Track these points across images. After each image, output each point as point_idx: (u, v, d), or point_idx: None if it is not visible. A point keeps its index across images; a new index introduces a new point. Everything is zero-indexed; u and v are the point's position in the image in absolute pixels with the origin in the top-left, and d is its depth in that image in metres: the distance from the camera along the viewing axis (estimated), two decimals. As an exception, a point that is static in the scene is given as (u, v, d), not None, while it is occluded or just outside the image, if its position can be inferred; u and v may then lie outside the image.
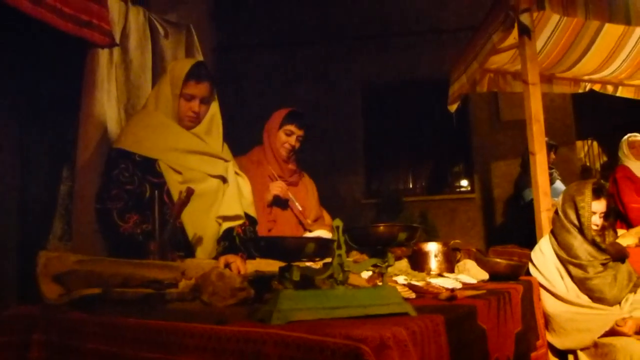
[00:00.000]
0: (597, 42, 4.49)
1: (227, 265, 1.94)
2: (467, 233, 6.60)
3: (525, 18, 3.57)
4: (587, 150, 8.64)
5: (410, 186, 7.24)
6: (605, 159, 8.42)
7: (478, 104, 6.82)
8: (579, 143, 7.69)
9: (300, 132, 2.81)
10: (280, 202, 2.71)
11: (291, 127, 2.79)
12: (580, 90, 5.21)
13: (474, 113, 6.88)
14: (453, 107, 4.74)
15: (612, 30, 4.37)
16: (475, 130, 6.84)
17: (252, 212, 2.32)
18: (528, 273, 2.77)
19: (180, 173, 2.13)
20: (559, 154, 6.46)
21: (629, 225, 4.63)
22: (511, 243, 4.83)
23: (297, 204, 2.72)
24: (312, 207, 2.89)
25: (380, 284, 1.30)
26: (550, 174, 4.78)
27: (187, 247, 2.08)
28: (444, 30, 6.89)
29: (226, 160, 2.29)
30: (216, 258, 2.06)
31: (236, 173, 2.33)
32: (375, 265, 1.29)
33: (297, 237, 2.21)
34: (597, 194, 2.69)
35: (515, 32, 3.78)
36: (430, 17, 7.05)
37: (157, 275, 1.58)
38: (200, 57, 3.34)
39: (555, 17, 4.21)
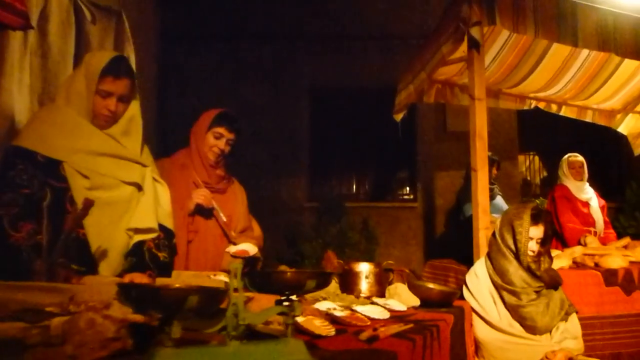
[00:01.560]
0: (545, 61, 4.50)
1: (133, 285, 1.73)
2: (407, 242, 6.57)
3: (475, 31, 3.51)
4: (529, 165, 8.79)
5: (354, 192, 7.15)
6: (545, 173, 8.59)
7: (425, 113, 6.79)
8: (520, 157, 7.80)
9: (230, 136, 2.61)
10: (204, 211, 2.51)
11: (221, 130, 2.58)
12: (526, 107, 5.23)
13: (420, 122, 6.85)
14: (399, 116, 4.65)
15: (559, 51, 4.38)
16: (420, 139, 6.82)
17: (168, 224, 2.10)
18: (462, 296, 2.69)
19: (87, 178, 1.90)
20: (502, 169, 6.52)
21: (564, 244, 4.66)
22: (450, 256, 4.81)
23: (221, 214, 2.52)
24: (239, 217, 2.69)
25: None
26: (491, 190, 4.79)
27: (89, 261, 1.85)
28: (396, 37, 6.83)
29: (144, 166, 2.07)
30: (121, 275, 1.84)
31: (154, 179, 2.11)
32: (282, 313, 1.12)
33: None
34: (535, 219, 2.63)
35: (464, 45, 3.71)
36: (382, 24, 6.97)
37: (41, 300, 1.37)
38: (130, 47, 3.09)
39: (505, 34, 4.18)
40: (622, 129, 5.44)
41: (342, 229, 6.23)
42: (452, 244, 5.40)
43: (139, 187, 2.02)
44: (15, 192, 1.80)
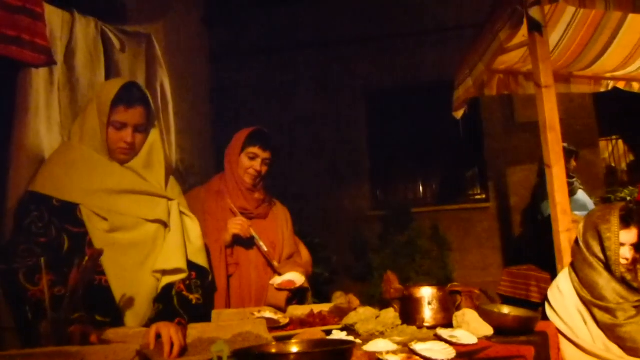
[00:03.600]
0: (620, 36, 4.01)
1: (159, 337, 1.54)
2: (483, 246, 6.14)
3: (535, 12, 3.14)
4: (612, 150, 8.08)
5: (421, 196, 6.79)
6: (632, 157, 7.85)
7: (490, 106, 6.34)
8: (602, 143, 7.16)
9: (266, 155, 2.40)
10: (244, 241, 2.31)
11: (255, 150, 2.38)
12: (602, 90, 4.73)
13: (485, 116, 6.41)
14: (459, 114, 4.30)
15: (636, 23, 3.89)
16: (487, 134, 6.37)
17: (201, 261, 1.91)
18: (545, 316, 2.34)
19: (106, 220, 1.74)
20: (581, 158, 5.97)
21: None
22: (530, 260, 4.40)
23: (261, 243, 2.31)
24: (285, 243, 2.47)
25: None
26: (571, 184, 4.35)
27: (114, 312, 1.69)
28: (450, 28, 6.44)
29: (170, 199, 1.90)
30: (147, 325, 1.66)
31: (182, 213, 1.93)
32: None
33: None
34: (625, 221, 2.23)
35: (524, 29, 3.34)
36: (434, 16, 6.60)
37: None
38: (163, 72, 2.96)
39: (571, 10, 3.75)
40: None
41: (411, 237, 5.91)
42: (532, 247, 4.96)
43: (165, 224, 1.85)
44: (30, 241, 1.67)
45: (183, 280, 1.82)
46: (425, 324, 2.02)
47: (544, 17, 3.24)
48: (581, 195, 4.34)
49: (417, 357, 1.53)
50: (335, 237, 6.25)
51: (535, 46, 3.28)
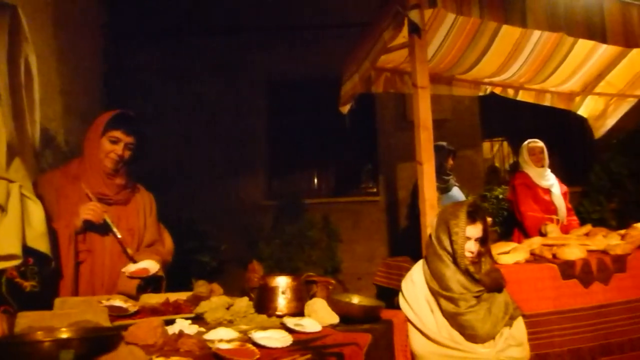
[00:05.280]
0: (495, 44, 4.28)
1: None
2: (371, 237, 6.35)
3: (414, 15, 3.27)
4: (497, 150, 8.62)
5: (315, 187, 6.90)
6: (514, 159, 8.43)
7: (384, 103, 6.55)
8: (487, 144, 7.62)
9: (129, 139, 2.33)
10: (99, 228, 2.23)
11: (117, 133, 2.30)
12: (481, 94, 5.03)
13: (379, 112, 6.62)
14: (345, 109, 4.41)
15: (509, 33, 4.17)
16: (381, 130, 6.59)
17: (42, 247, 1.83)
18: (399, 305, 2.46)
19: None
20: (465, 158, 6.33)
21: (526, 234, 4.49)
22: (410, 252, 4.60)
23: (115, 229, 2.25)
24: (144, 230, 2.42)
25: None
26: (447, 181, 4.60)
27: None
28: (353, 24, 6.55)
29: (11, 181, 1.80)
30: (-27, 314, 1.57)
31: (25, 196, 1.83)
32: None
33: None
34: (472, 217, 2.40)
35: (405, 30, 3.48)
36: (338, 11, 6.70)
37: None
38: (29, 47, 2.76)
39: (451, 16, 3.96)
40: (582, 111, 5.26)
41: (302, 228, 6.00)
42: (412, 239, 5.19)
43: (1, 208, 1.74)
44: None
45: (17, 267, 1.74)
46: (278, 313, 2.07)
47: (423, 20, 3.39)
48: (456, 191, 4.59)
49: (250, 345, 1.55)
50: (228, 225, 6.21)
51: (414, 48, 3.42)
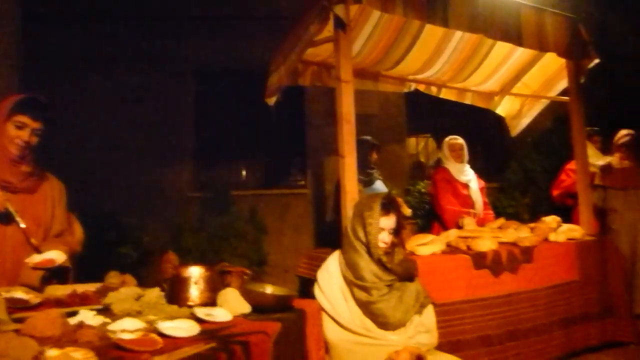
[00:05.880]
0: (419, 42, 4.42)
1: None
2: (298, 230, 6.40)
3: (339, 10, 3.33)
4: (424, 146, 8.88)
5: (243, 179, 6.86)
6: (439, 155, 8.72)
7: (315, 97, 6.60)
8: (414, 140, 7.83)
9: (36, 125, 2.23)
10: (1, 217, 2.13)
11: (23, 119, 2.20)
12: (406, 90, 5.17)
13: (310, 105, 6.66)
14: (271, 100, 4.41)
15: (432, 32, 4.31)
16: (310, 123, 6.63)
17: None
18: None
19: None
20: (390, 152, 6.49)
21: (444, 227, 4.65)
22: (334, 244, 4.67)
23: (18, 218, 2.16)
24: (52, 219, 2.33)
25: None
26: (370, 174, 4.69)
27: None
28: (283, 17, 6.55)
29: None
30: None
31: None
32: None
33: None
34: (386, 209, 2.47)
35: (331, 25, 3.52)
36: (269, 2, 6.67)
37: None
38: None
39: (377, 13, 4.05)
40: (500, 110, 5.52)
41: (229, 219, 5.95)
42: (336, 231, 5.28)
43: None
44: None
45: None
46: (190, 303, 2.04)
47: (348, 15, 3.44)
48: (379, 185, 4.70)
49: (154, 335, 1.54)
50: (153, 217, 6.06)
51: (338, 42, 3.47)
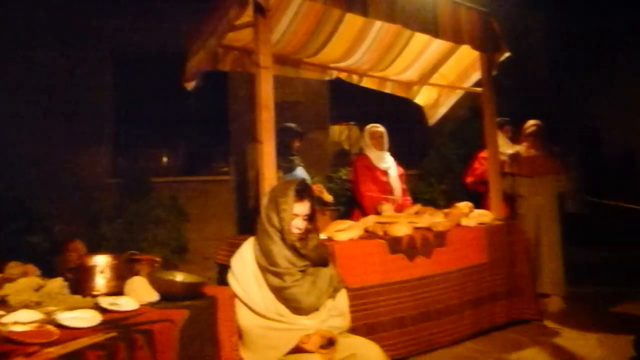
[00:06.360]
0: (340, 30, 4.45)
1: None
2: (220, 217, 6.33)
3: (259, -6, 3.29)
4: (348, 134, 9.00)
5: (165, 166, 6.70)
6: (362, 143, 8.85)
7: (238, 82, 6.51)
8: (339, 127, 7.92)
9: None
10: None
11: None
12: (328, 78, 5.21)
13: (233, 91, 6.57)
14: (190, 85, 4.29)
15: (353, 20, 4.35)
16: (233, 109, 6.55)
17: None
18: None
19: None
20: (313, 140, 6.54)
21: (364, 213, 4.75)
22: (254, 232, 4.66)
23: None
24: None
25: None
26: (292, 161, 4.71)
27: None
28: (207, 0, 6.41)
29: None
30: None
31: None
32: None
33: None
34: (300, 195, 2.49)
35: (251, 10, 3.48)
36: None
37: None
38: None
39: (298, 0, 4.04)
40: (419, 100, 5.68)
41: (148, 206, 5.80)
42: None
43: None
44: None
45: None
46: (95, 293, 1.99)
47: (267, 0, 3.42)
48: (300, 171, 4.72)
49: (50, 326, 1.48)
50: (67, 204, 5.81)
51: (258, 28, 3.44)
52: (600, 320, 4.54)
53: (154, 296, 1.95)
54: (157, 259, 2.29)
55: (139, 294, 1.93)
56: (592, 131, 9.55)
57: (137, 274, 2.15)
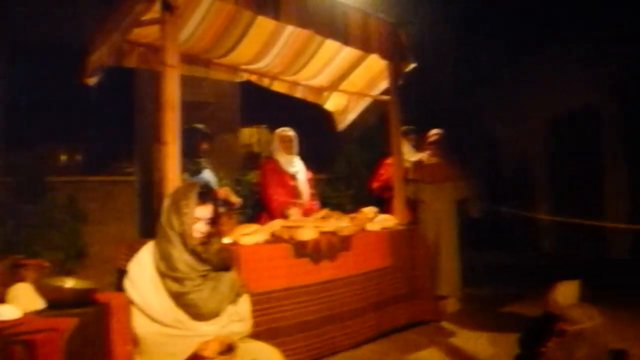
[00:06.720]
0: (251, 32, 4.43)
1: None
2: (122, 219, 6.07)
3: (165, -8, 3.20)
4: (259, 137, 8.95)
5: (63, 165, 6.32)
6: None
7: (145, 80, 6.29)
8: (249, 130, 7.86)
9: None
10: None
11: None
12: (238, 79, 5.17)
13: (140, 88, 6.34)
14: (91, 81, 4.09)
15: (264, 23, 4.35)
16: (139, 109, 6.31)
17: None
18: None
19: None
20: (223, 142, 6.44)
21: (271, 217, 4.74)
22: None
23: None
24: None
25: None
26: (199, 164, 4.61)
27: None
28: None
29: None
30: None
31: None
32: None
33: None
34: (202, 198, 2.44)
35: (158, 6, 3.38)
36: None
37: None
38: None
39: (208, -1, 3.98)
40: (328, 105, 5.77)
41: (43, 208, 5.45)
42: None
43: None
44: None
45: None
46: (-30, 301, 1.83)
47: (175, -3, 3.33)
48: (207, 174, 4.62)
49: None
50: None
51: (165, 25, 3.35)
52: (492, 320, 4.83)
53: (39, 304, 1.83)
54: (46, 264, 2.15)
55: (22, 301, 1.80)
56: (490, 141, 10.15)
57: (23, 280, 2.00)
